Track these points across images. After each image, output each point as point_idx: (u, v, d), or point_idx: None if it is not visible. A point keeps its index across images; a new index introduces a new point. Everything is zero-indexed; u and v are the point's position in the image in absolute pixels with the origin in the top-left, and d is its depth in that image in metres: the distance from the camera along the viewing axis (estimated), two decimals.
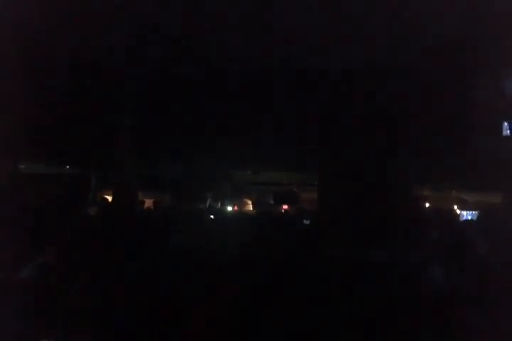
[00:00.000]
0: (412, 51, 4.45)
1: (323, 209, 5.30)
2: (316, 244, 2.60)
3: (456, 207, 7.25)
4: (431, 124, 4.96)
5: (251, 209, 7.17)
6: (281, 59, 4.84)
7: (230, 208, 7.02)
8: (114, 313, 2.25)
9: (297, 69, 4.97)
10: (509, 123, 5.03)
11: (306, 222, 4.49)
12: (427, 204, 6.90)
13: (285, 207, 7.04)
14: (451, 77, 4.72)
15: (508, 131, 5.00)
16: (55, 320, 2.15)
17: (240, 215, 5.48)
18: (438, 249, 2.60)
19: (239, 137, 5.95)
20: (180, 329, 2.22)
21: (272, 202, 7.91)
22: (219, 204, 6.90)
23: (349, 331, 2.04)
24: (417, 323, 2.13)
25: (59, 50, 4.64)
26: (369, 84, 4.89)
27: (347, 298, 2.13)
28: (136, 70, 5.28)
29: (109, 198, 5.63)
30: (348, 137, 5.21)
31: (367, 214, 3.97)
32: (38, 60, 4.64)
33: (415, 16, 3.86)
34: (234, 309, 2.21)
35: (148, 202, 5.93)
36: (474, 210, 7.36)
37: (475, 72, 4.68)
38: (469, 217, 6.42)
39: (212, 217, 4.71)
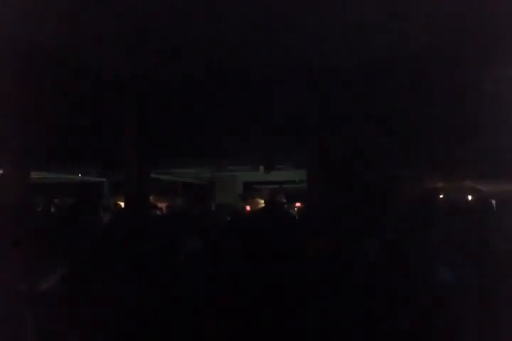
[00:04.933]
0: (420, 40, 4.41)
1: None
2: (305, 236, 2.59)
3: (469, 197, 7.18)
4: (442, 115, 4.93)
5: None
6: (285, 57, 4.85)
7: (242, 208, 7.02)
8: (136, 321, 2.26)
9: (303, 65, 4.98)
10: None
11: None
12: (440, 195, 6.85)
13: (298, 204, 7.02)
14: (463, 66, 4.69)
15: None
16: (78, 331, 2.16)
17: (251, 215, 5.47)
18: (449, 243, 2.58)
19: (248, 137, 5.96)
20: (200, 328, 2.23)
21: (284, 200, 7.89)
22: (231, 205, 6.90)
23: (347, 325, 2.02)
24: (424, 322, 2.11)
25: (63, 56, 4.68)
26: (381, 74, 4.88)
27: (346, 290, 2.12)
28: (145, 72, 5.32)
29: (123, 204, 5.67)
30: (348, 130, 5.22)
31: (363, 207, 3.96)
32: (44, 68, 4.69)
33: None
34: (255, 306, 2.21)
35: (161, 206, 5.96)
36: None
37: (486, 61, 4.64)
38: None
39: (224, 218, 4.71)
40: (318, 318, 2.05)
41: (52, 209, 6.17)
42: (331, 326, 2.03)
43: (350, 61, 4.75)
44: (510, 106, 4.89)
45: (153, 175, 7.50)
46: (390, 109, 5.04)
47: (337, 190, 5.01)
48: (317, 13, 3.93)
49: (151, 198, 6.76)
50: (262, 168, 8.14)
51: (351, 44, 4.47)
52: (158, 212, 5.63)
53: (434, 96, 4.89)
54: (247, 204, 7.48)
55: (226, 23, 4.12)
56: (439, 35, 4.28)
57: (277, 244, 2.57)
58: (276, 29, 4.21)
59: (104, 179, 9.07)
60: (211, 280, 2.42)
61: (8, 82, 4.12)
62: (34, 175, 7.26)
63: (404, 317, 2.11)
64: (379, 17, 3.98)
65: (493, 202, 3.61)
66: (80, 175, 8.92)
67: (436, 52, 4.56)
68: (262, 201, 7.68)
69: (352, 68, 4.82)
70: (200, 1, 3.73)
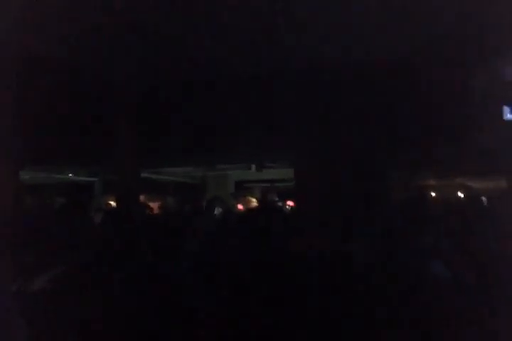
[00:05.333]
0: (408, 40, 4.45)
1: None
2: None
3: (460, 194, 7.23)
4: (431, 112, 4.96)
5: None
6: (273, 57, 4.86)
7: (234, 207, 7.01)
8: (130, 321, 2.24)
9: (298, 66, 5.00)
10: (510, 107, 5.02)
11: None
12: (432, 193, 6.89)
13: (290, 203, 7.02)
14: (450, 64, 4.72)
15: (510, 116, 5.00)
16: (70, 332, 2.15)
17: (242, 214, 5.48)
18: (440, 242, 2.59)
19: (240, 135, 5.96)
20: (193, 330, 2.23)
21: (276, 198, 7.90)
22: (223, 204, 6.89)
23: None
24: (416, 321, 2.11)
25: (57, 52, 4.65)
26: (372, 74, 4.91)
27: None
28: (136, 71, 5.30)
29: (114, 204, 5.64)
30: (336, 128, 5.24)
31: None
32: (35, 64, 4.65)
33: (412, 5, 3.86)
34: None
35: (153, 206, 5.94)
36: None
37: (474, 58, 4.68)
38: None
39: (216, 217, 4.71)
40: (310, 317, 2.05)
41: (42, 209, 6.13)
42: (321, 325, 2.04)
43: (337, 61, 4.78)
44: (498, 104, 4.94)
45: (144, 175, 7.48)
46: (379, 108, 5.07)
47: (325, 188, 5.03)
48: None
49: (143, 197, 6.73)
50: (253, 166, 8.13)
51: (339, 44, 4.50)
52: (150, 212, 5.61)
53: (425, 95, 4.93)
54: (240, 203, 7.48)
55: (215, 22, 4.13)
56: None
57: (270, 244, 2.57)
58: (263, 29, 4.23)
59: (96, 179, 9.03)
60: (207, 280, 2.42)
61: None
62: (24, 174, 7.20)
63: (396, 318, 2.11)
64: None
65: (484, 198, 3.65)
66: (70, 174, 8.86)
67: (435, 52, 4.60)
68: (254, 200, 7.69)
69: (340, 68, 4.85)
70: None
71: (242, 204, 7.16)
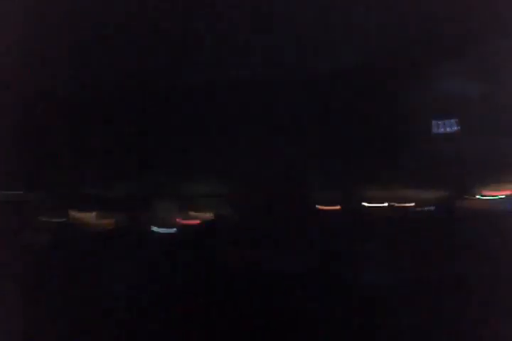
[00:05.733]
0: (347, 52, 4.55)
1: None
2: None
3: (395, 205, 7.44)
4: (364, 124, 5.07)
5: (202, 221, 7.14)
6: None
7: (179, 222, 6.97)
8: None
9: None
10: (441, 122, 5.26)
11: None
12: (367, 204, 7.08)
13: (238, 216, 7.06)
14: (384, 77, 4.86)
15: (440, 129, 5.24)
16: None
17: (187, 228, 5.49)
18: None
19: (190, 149, 5.94)
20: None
21: (228, 211, 7.91)
22: (167, 219, 6.84)
23: None
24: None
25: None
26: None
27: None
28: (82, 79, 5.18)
29: (56, 221, 5.50)
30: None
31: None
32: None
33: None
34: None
35: (99, 223, 5.84)
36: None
37: (407, 72, 4.83)
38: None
39: (160, 232, 4.69)
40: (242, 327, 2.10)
41: None
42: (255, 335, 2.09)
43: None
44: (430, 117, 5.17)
45: (91, 191, 7.30)
46: (309, 121, 5.12)
47: (268, 201, 5.07)
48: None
49: (93, 215, 6.58)
50: (205, 180, 8.12)
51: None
52: (101, 230, 5.53)
53: (357, 108, 5.03)
54: (190, 217, 7.44)
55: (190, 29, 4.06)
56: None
57: (216, 257, 2.62)
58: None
59: (42, 195, 8.74)
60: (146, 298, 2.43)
61: None
62: None
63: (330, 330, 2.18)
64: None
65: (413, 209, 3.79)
66: (14, 191, 8.54)
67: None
68: (205, 213, 7.68)
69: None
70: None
71: (192, 219, 7.13)
